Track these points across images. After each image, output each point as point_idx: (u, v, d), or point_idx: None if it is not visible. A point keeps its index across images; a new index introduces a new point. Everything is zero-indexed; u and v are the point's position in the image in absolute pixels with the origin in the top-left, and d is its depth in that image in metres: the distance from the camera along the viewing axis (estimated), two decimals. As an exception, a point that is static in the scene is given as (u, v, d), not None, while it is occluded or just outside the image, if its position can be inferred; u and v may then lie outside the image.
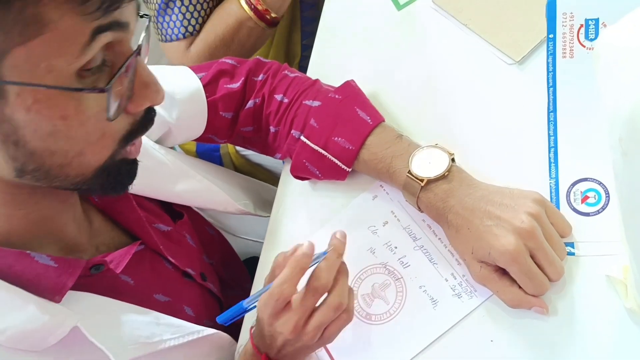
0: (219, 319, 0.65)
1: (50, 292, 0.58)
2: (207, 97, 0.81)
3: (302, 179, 0.82)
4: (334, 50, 0.91)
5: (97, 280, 0.64)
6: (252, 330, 0.69)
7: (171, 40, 1.00)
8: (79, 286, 0.61)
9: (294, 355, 0.67)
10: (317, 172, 0.79)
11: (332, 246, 0.64)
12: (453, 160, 0.71)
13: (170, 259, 0.74)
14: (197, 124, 0.82)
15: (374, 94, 0.85)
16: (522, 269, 0.64)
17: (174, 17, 0.97)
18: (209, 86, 0.82)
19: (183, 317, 0.70)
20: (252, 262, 1.05)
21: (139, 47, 0.52)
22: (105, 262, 0.64)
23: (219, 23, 0.99)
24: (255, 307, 0.65)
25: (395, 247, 0.76)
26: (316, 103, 0.78)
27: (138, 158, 0.63)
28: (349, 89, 0.79)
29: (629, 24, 0.49)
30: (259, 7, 0.96)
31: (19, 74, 0.46)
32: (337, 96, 0.78)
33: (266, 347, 0.67)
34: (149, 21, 0.54)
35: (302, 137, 0.78)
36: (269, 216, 0.91)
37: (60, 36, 0.45)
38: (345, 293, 0.64)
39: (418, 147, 0.73)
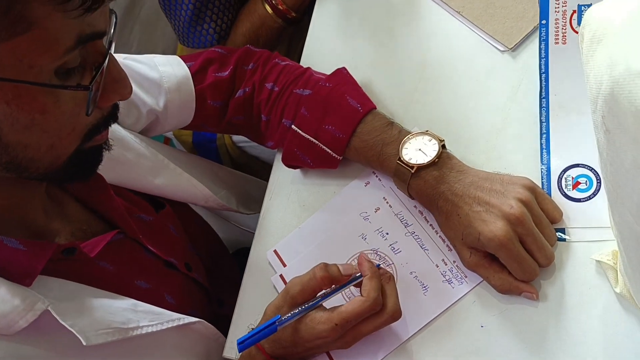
0: (241, 344, 0.64)
1: (21, 275, 0.58)
2: (195, 86, 0.81)
3: (294, 167, 0.82)
4: (328, 37, 0.91)
5: (71, 265, 0.64)
6: (266, 347, 0.69)
7: (204, 46, 1.03)
8: (52, 271, 0.61)
9: (307, 352, 0.68)
10: (309, 160, 0.79)
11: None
12: (444, 146, 0.71)
13: (151, 248, 0.73)
14: (185, 112, 0.82)
15: (367, 80, 0.85)
16: (511, 254, 0.64)
17: (205, 26, 1.00)
18: (198, 75, 0.82)
19: (164, 305, 0.70)
20: (241, 254, 1.05)
21: (110, 44, 0.53)
22: (78, 246, 0.64)
23: (244, 24, 1.03)
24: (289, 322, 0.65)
25: (387, 233, 0.76)
26: (307, 91, 0.78)
27: (118, 151, 0.65)
28: (340, 77, 0.79)
29: (613, 2, 0.49)
30: (280, 7, 0.99)
31: (2, 69, 0.47)
32: (327, 84, 0.78)
33: (281, 351, 0.68)
34: (116, 18, 0.55)
35: (293, 126, 0.78)
36: (251, 214, 0.92)
37: (45, 35, 0.47)
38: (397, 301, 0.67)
39: (409, 133, 0.73)
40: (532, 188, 0.67)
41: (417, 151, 0.71)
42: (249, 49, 0.85)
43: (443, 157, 0.70)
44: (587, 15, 0.51)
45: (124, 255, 0.71)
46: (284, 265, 0.79)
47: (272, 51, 0.86)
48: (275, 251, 0.79)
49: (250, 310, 0.76)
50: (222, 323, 0.78)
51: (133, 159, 0.75)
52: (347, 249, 0.77)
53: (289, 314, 0.65)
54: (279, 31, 1.03)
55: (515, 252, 0.64)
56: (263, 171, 1.26)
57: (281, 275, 0.78)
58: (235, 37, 1.04)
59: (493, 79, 0.80)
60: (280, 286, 0.76)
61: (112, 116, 0.58)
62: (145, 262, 0.74)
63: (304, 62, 0.90)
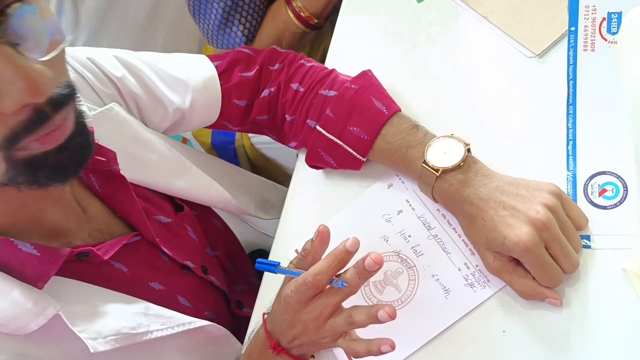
0: (258, 261, 0.67)
1: (34, 279, 0.59)
2: (221, 85, 0.81)
3: (317, 168, 0.82)
4: (353, 42, 0.91)
5: (85, 266, 0.65)
6: (266, 316, 0.69)
7: (232, 48, 1.05)
8: (66, 272, 0.62)
9: (305, 348, 0.67)
10: (332, 161, 0.79)
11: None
12: (469, 150, 0.71)
13: (167, 251, 0.74)
14: (211, 110, 0.83)
15: (392, 85, 0.85)
16: (536, 259, 0.64)
17: (234, 29, 1.02)
18: (224, 74, 0.82)
19: (176, 307, 0.71)
20: (257, 255, 1.05)
21: None
22: (92, 251, 0.64)
23: (269, 27, 1.05)
24: (283, 273, 0.65)
25: (409, 236, 0.76)
26: (332, 93, 0.78)
27: (143, 152, 0.66)
28: (365, 79, 0.79)
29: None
30: (302, 15, 1.01)
31: None
32: (353, 86, 0.78)
33: (281, 333, 0.66)
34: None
35: (317, 127, 0.78)
36: (269, 219, 0.92)
37: None
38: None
39: (434, 137, 0.73)
40: (558, 194, 0.67)
41: (443, 154, 0.70)
42: (274, 50, 0.85)
43: (468, 161, 0.70)
44: (627, 19, 0.51)
45: (139, 258, 0.71)
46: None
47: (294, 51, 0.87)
48: (297, 251, 0.79)
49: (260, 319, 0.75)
50: (243, 324, 0.78)
51: (157, 160, 0.76)
52: (368, 250, 0.75)
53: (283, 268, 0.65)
54: (301, 36, 1.05)
55: (541, 258, 0.64)
56: (279, 174, 1.27)
57: (301, 275, 0.78)
58: (261, 40, 1.06)
59: (520, 84, 0.80)
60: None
61: (36, 121, 0.48)
62: (160, 265, 0.74)
63: (329, 64, 0.90)
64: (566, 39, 0.78)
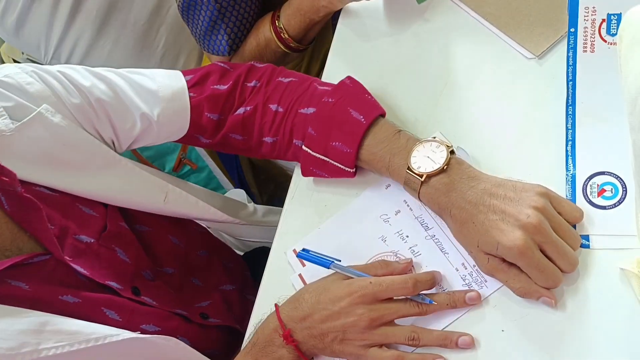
0: (302, 251, 0.76)
1: None
2: (193, 97, 0.81)
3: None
4: (354, 43, 0.91)
5: None
6: (280, 306, 0.70)
7: (217, 54, 1.05)
8: None
9: (325, 344, 0.69)
10: (325, 174, 0.80)
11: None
12: (452, 152, 0.71)
13: (84, 271, 0.71)
14: (179, 122, 0.82)
15: (392, 86, 0.85)
16: (531, 262, 0.63)
17: (219, 37, 1.02)
18: (197, 87, 0.82)
19: (103, 319, 0.69)
20: (259, 253, 1.05)
21: None
22: None
23: (251, 42, 1.03)
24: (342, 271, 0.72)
25: (407, 236, 0.76)
26: (311, 110, 0.78)
27: (76, 157, 0.70)
28: (343, 89, 0.79)
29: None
30: (283, 36, 1.00)
31: None
32: (330, 100, 0.78)
33: (299, 320, 0.68)
34: None
35: (303, 147, 0.79)
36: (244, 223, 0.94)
37: None
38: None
39: (416, 141, 0.72)
40: (546, 194, 0.66)
41: (426, 159, 0.70)
42: (253, 65, 0.85)
43: (452, 163, 0.70)
44: (627, 17, 0.51)
45: (45, 276, 0.69)
46: (303, 265, 0.78)
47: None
48: (294, 251, 0.79)
49: (270, 308, 0.75)
50: (213, 332, 0.80)
51: (84, 163, 0.75)
52: (366, 250, 0.76)
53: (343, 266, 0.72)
54: (283, 55, 1.04)
55: (535, 261, 0.63)
56: (280, 174, 1.27)
57: (300, 275, 0.78)
58: (243, 53, 1.05)
59: (519, 85, 0.80)
60: (299, 285, 0.76)
61: None
62: (74, 283, 0.71)
63: (330, 65, 0.91)
64: (566, 40, 0.78)
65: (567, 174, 0.72)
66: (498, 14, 0.84)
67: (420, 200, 0.72)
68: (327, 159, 0.77)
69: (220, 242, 1.00)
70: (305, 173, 0.81)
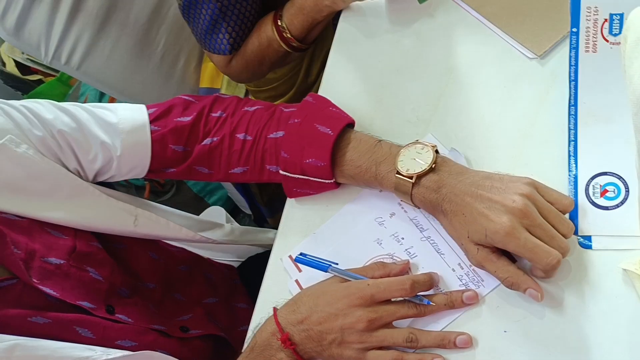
0: (299, 255, 0.76)
1: None
2: (156, 130, 0.81)
3: None
4: (355, 43, 0.90)
5: None
6: (278, 310, 0.70)
7: (218, 53, 1.05)
8: None
9: (322, 348, 0.68)
10: (310, 191, 0.80)
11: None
12: (437, 152, 0.71)
13: (54, 293, 0.71)
14: (140, 155, 0.82)
15: (393, 85, 0.84)
16: (518, 242, 0.63)
17: (220, 36, 1.01)
18: (160, 120, 0.82)
19: (77, 338, 0.69)
20: (258, 259, 1.05)
21: None
22: None
23: (255, 40, 1.03)
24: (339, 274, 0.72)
25: (402, 238, 0.75)
26: (280, 134, 0.79)
27: (39, 185, 0.70)
28: (307, 107, 0.80)
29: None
30: (285, 35, 0.99)
31: None
32: (296, 120, 0.78)
33: (297, 323, 0.68)
34: None
35: (280, 171, 0.79)
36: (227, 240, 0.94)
37: None
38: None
39: (399, 147, 0.73)
40: (532, 183, 0.66)
41: (412, 161, 0.71)
42: (218, 97, 0.85)
43: (439, 162, 0.70)
44: (631, 17, 0.50)
45: (12, 300, 0.69)
46: (299, 270, 0.78)
47: (279, 67, 0.86)
48: (290, 257, 0.79)
49: (268, 312, 0.75)
50: (195, 344, 0.79)
51: (49, 191, 0.76)
52: (362, 254, 0.75)
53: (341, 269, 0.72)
54: (285, 55, 1.03)
55: (523, 240, 0.62)
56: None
57: (296, 281, 0.77)
58: (244, 52, 1.05)
59: (521, 85, 0.79)
60: (296, 291, 0.75)
61: None
62: (45, 305, 0.71)
63: (330, 66, 0.90)
64: (568, 40, 0.78)
65: (569, 175, 0.71)
66: (500, 13, 0.83)
67: (414, 204, 0.72)
68: (306, 177, 0.78)
69: (199, 255, 1.00)
70: (290, 195, 0.82)
